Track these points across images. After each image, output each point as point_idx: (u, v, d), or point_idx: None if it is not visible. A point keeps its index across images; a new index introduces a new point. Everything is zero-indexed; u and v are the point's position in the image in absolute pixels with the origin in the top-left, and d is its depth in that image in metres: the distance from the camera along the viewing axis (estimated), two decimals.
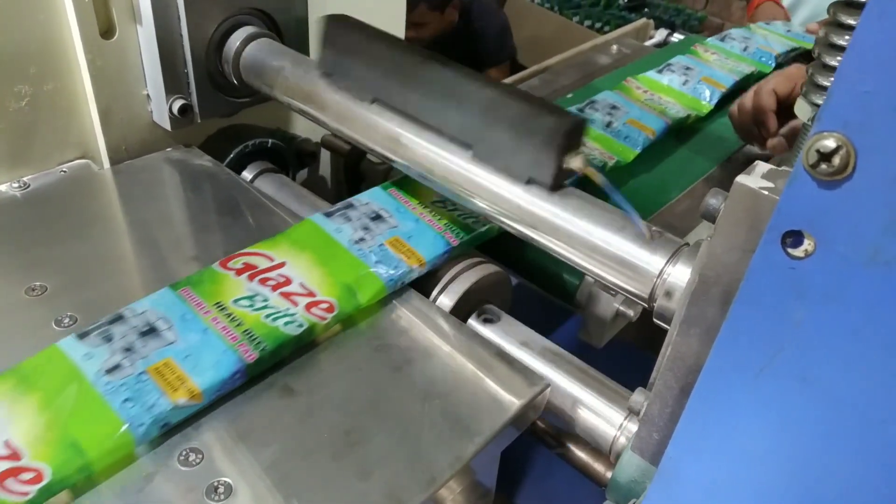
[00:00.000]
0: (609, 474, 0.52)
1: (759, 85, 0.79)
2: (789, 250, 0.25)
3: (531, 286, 0.69)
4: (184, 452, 0.41)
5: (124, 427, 0.40)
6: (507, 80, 1.00)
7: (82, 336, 0.45)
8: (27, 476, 0.37)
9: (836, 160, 0.22)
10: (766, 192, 0.30)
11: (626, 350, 0.75)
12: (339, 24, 0.58)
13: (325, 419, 0.44)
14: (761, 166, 0.31)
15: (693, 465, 0.32)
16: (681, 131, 0.84)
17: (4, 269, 0.53)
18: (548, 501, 0.65)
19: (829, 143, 0.22)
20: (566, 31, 2.54)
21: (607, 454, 0.52)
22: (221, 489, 0.39)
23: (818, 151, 0.22)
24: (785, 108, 0.76)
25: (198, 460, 0.41)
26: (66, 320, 0.49)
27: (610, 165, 0.74)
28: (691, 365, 0.36)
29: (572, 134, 0.46)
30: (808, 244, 0.24)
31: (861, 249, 0.23)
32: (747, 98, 0.79)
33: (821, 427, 0.27)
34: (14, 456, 0.38)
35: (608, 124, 0.79)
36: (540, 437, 0.61)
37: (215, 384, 0.43)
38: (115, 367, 0.43)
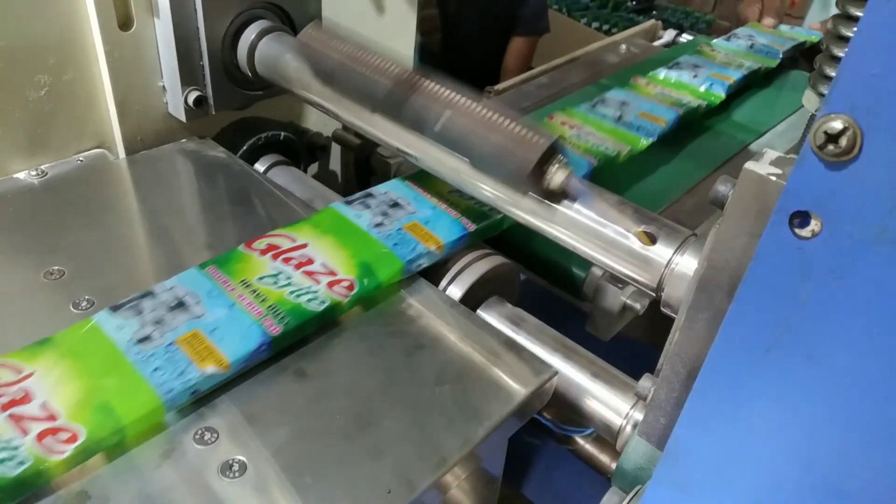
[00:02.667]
0: (615, 466, 0.52)
1: None
2: (797, 231, 0.25)
3: (538, 280, 0.69)
4: (199, 431, 0.42)
5: (155, 394, 0.41)
6: (518, 79, 1.00)
7: (115, 309, 0.46)
8: (64, 436, 0.39)
9: (843, 141, 0.23)
10: (774, 178, 0.30)
11: (633, 345, 0.75)
12: (313, 45, 0.59)
13: (338, 402, 0.45)
14: (770, 153, 0.32)
15: (699, 444, 0.32)
16: (692, 125, 0.85)
17: (24, 253, 0.54)
18: (554, 494, 0.66)
19: (837, 125, 0.23)
20: (574, 33, 2.54)
21: (613, 442, 0.53)
22: (236, 467, 0.40)
23: (825, 133, 0.23)
24: None
25: (213, 439, 0.42)
26: (84, 303, 0.50)
27: (624, 154, 0.74)
28: (698, 350, 0.37)
29: (544, 160, 0.47)
30: (815, 224, 0.25)
31: (867, 229, 0.24)
32: None
33: (826, 405, 0.27)
34: (51, 417, 0.39)
35: (619, 118, 0.79)
36: (546, 429, 0.62)
37: (242, 356, 0.44)
38: (146, 338, 0.45)
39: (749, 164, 0.31)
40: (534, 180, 0.47)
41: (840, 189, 0.24)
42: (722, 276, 0.34)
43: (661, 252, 0.45)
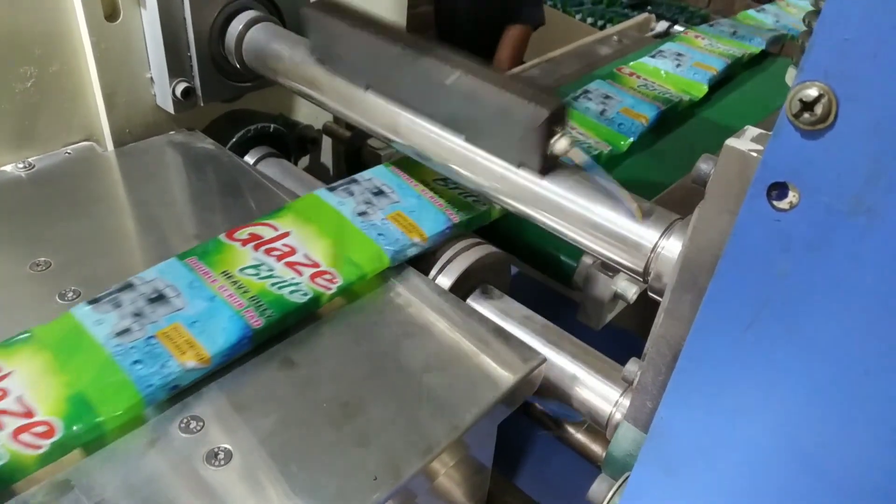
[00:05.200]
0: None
1: None
2: (774, 203, 0.25)
3: (529, 270, 0.69)
4: (184, 420, 0.42)
5: (134, 387, 0.41)
6: (513, 71, 1.00)
7: (93, 303, 0.46)
8: (40, 430, 0.38)
9: (819, 109, 0.22)
10: (755, 154, 0.30)
11: (624, 336, 0.75)
12: (321, 13, 0.58)
13: (325, 390, 0.45)
14: (751, 130, 0.32)
15: (683, 424, 0.32)
16: (675, 117, 0.85)
17: (10, 245, 0.54)
18: (546, 483, 0.66)
19: (811, 92, 0.22)
20: (569, 29, 2.54)
21: (604, 430, 0.53)
22: (221, 455, 0.40)
23: (801, 101, 0.23)
24: None
25: (198, 427, 0.41)
26: (70, 294, 0.49)
27: (605, 154, 0.74)
28: (683, 332, 0.36)
29: (553, 120, 0.47)
30: (792, 196, 0.25)
31: (844, 199, 0.23)
32: None
33: (807, 380, 0.27)
34: (27, 413, 0.39)
35: (602, 112, 0.79)
36: (538, 419, 0.62)
37: (222, 349, 0.44)
38: (125, 331, 0.44)
39: (730, 141, 0.31)
40: (538, 142, 0.47)
41: (817, 159, 0.23)
42: (705, 256, 0.34)
43: (647, 236, 0.45)
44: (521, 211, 0.51)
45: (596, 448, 0.62)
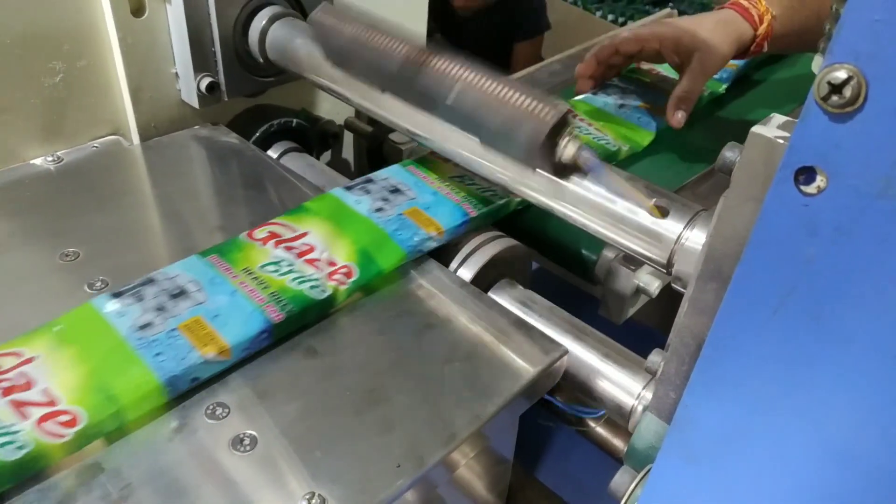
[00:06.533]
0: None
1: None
2: (802, 187, 0.25)
3: (549, 265, 0.69)
4: (210, 406, 0.42)
5: (155, 378, 0.41)
6: (533, 67, 1.00)
7: (115, 296, 0.46)
8: (64, 419, 0.39)
9: (848, 91, 0.22)
10: (781, 141, 0.30)
11: (645, 332, 0.75)
12: (327, 20, 0.59)
13: (348, 379, 0.45)
14: (777, 118, 0.32)
15: (707, 412, 0.32)
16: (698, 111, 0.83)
17: (40, 236, 0.55)
18: (568, 478, 0.66)
19: (840, 75, 0.22)
20: (589, 26, 2.53)
21: (626, 423, 0.53)
22: (247, 441, 0.40)
23: (829, 83, 0.22)
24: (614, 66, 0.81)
25: (224, 414, 0.42)
26: (98, 284, 0.50)
27: (625, 151, 0.73)
28: (707, 321, 0.36)
29: (557, 130, 0.47)
30: (820, 180, 0.25)
31: (873, 182, 0.23)
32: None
33: (834, 366, 0.27)
34: (51, 402, 0.39)
35: (620, 106, 0.78)
36: (558, 414, 0.62)
37: (243, 342, 0.44)
38: (147, 325, 0.45)
39: (756, 128, 0.31)
40: (544, 154, 0.47)
41: (845, 142, 0.23)
42: (730, 245, 0.34)
43: (671, 227, 0.45)
44: (543, 203, 0.51)
45: (617, 442, 0.62)
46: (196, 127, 0.71)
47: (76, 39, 0.62)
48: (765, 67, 0.98)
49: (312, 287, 0.49)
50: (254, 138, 0.73)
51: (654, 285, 0.63)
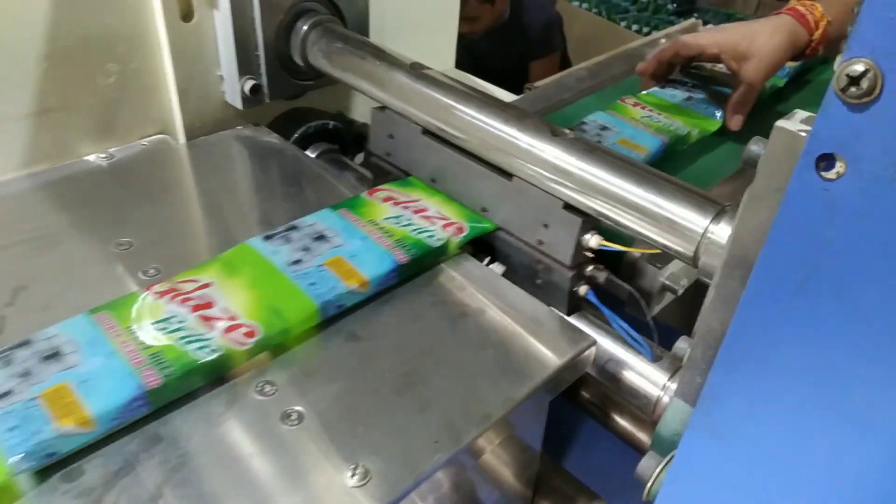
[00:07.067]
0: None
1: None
2: (822, 173, 0.27)
3: None
4: (259, 384, 0.45)
5: (313, 302, 0.49)
6: (558, 75, 1.02)
7: (267, 238, 0.55)
8: (245, 330, 0.46)
9: (865, 83, 0.24)
10: (803, 134, 0.32)
11: (668, 331, 0.76)
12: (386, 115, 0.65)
13: (387, 361, 0.48)
14: (800, 113, 0.34)
15: (732, 389, 0.34)
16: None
17: (96, 227, 0.58)
18: (590, 471, 0.67)
19: (858, 68, 0.24)
20: (614, 35, 2.55)
21: (651, 414, 0.55)
22: (294, 416, 0.43)
23: (847, 76, 0.25)
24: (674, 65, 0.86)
25: (272, 391, 0.45)
26: (151, 271, 0.53)
27: (695, 135, 0.77)
28: (732, 306, 0.38)
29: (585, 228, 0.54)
30: (839, 166, 0.27)
31: (888, 167, 0.25)
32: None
33: (853, 340, 0.29)
34: (232, 317, 0.47)
35: (688, 98, 0.84)
36: (584, 406, 0.64)
37: (379, 275, 0.53)
38: (298, 261, 0.53)
39: (780, 122, 0.33)
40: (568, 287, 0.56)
41: (862, 130, 0.25)
42: (755, 233, 0.36)
43: (697, 221, 0.47)
44: (575, 200, 0.54)
45: (641, 435, 0.64)
46: (239, 127, 0.74)
47: (130, 43, 0.65)
48: (825, 65, 1.00)
49: (200, 348, 0.45)
50: (293, 139, 0.76)
51: (679, 283, 0.65)
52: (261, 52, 0.70)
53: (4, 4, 0.58)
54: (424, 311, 0.52)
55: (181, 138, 0.72)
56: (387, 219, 0.58)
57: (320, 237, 0.55)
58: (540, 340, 0.51)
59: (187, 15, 0.67)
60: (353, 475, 0.40)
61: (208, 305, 0.48)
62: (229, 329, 0.46)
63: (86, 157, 0.67)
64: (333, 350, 0.48)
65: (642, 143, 0.74)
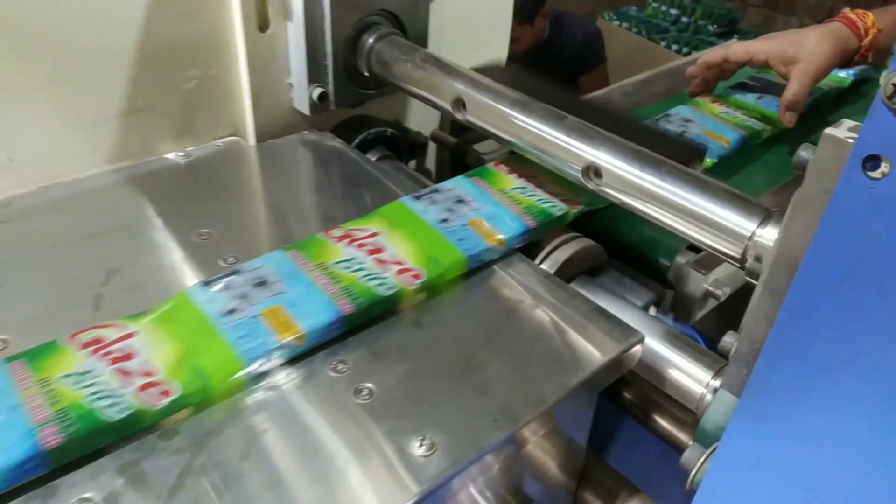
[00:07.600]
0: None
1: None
2: (868, 173, 0.30)
3: (620, 265, 0.74)
4: (333, 363, 0.49)
5: (238, 359, 0.47)
6: (605, 89, 1.06)
7: (206, 284, 0.52)
8: (160, 389, 0.44)
9: None
10: (850, 140, 0.35)
11: (706, 341, 0.79)
12: None
13: (448, 347, 0.51)
14: (847, 122, 0.37)
15: (779, 373, 0.37)
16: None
17: (177, 219, 0.63)
18: (632, 469, 0.70)
19: None
20: (654, 56, 2.58)
21: (694, 411, 0.57)
22: (365, 392, 0.47)
23: (893, 85, 0.28)
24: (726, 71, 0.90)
25: (345, 369, 0.49)
26: (231, 258, 0.58)
27: (768, 131, 0.84)
28: (779, 301, 0.41)
29: None
30: (884, 167, 0.30)
31: None
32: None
33: (895, 328, 0.32)
34: (150, 373, 0.45)
35: (759, 97, 0.89)
36: (626, 407, 0.67)
37: (315, 329, 0.49)
38: (233, 311, 0.50)
39: (828, 130, 0.36)
40: None
41: None
42: (803, 233, 0.39)
43: (745, 224, 0.50)
44: (624, 202, 0.57)
45: (681, 436, 0.66)
46: (305, 132, 0.79)
47: (211, 50, 0.71)
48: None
49: (380, 284, 0.53)
50: (354, 144, 0.80)
51: (721, 290, 0.68)
52: (329, 62, 0.74)
53: (107, 10, 0.63)
54: (481, 304, 0.56)
55: (251, 140, 0.76)
56: (338, 263, 0.55)
57: (262, 283, 0.52)
58: (590, 334, 0.54)
59: (263, 26, 0.72)
60: (420, 445, 0.43)
61: (380, 251, 0.57)
62: (400, 272, 0.55)
63: (165, 155, 0.72)
64: (399, 335, 0.52)
65: (724, 136, 0.83)
